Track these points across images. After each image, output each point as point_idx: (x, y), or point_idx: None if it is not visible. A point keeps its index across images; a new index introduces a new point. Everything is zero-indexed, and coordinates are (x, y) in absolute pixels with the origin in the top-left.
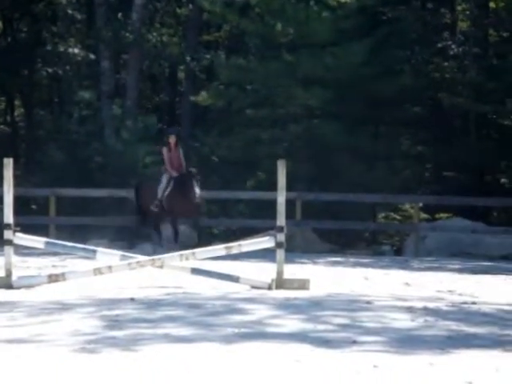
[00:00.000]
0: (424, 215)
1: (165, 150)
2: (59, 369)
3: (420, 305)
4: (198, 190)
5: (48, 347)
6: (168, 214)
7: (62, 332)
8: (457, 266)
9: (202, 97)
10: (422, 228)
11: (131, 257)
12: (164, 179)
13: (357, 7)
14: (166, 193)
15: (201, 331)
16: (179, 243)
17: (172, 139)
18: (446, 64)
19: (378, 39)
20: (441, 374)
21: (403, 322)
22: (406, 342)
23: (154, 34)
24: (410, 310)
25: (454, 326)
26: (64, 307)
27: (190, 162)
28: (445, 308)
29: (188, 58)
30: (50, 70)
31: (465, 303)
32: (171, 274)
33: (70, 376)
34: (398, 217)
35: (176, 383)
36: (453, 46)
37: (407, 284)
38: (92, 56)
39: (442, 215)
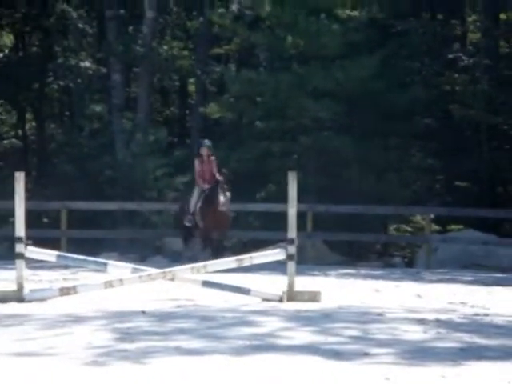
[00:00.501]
0: (435, 227)
1: (196, 163)
2: (71, 382)
3: (432, 317)
4: (222, 198)
5: (60, 360)
6: (201, 228)
7: (74, 345)
8: (469, 278)
9: (211, 108)
10: (434, 240)
11: (142, 269)
12: (196, 192)
13: (367, 20)
14: (198, 206)
15: (212, 343)
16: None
17: (204, 151)
18: (456, 76)
19: (388, 52)
20: None
21: (415, 334)
22: (418, 354)
23: (165, 47)
24: (421, 321)
25: (466, 337)
26: (76, 320)
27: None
28: (457, 320)
29: (198, 72)
30: (61, 84)
31: (477, 315)
32: (182, 286)
33: None
34: (409, 228)
35: None
36: (463, 58)
37: (419, 296)
38: (103, 69)
39: (453, 227)
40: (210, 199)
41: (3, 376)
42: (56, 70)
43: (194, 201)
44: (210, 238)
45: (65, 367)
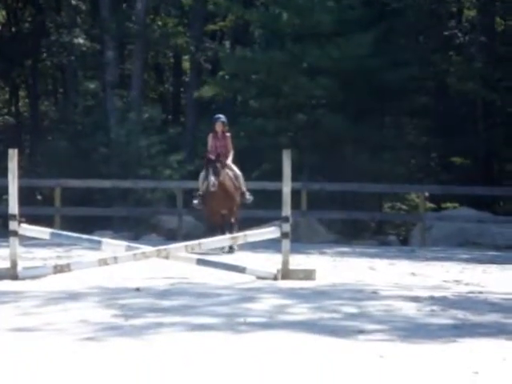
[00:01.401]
0: (430, 205)
1: (210, 138)
2: (68, 357)
3: (426, 294)
4: (213, 178)
5: (57, 336)
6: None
7: (70, 321)
8: (463, 256)
9: (205, 91)
10: (428, 218)
11: (137, 247)
12: (204, 170)
13: None
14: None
15: (207, 320)
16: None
17: (218, 126)
18: (452, 53)
19: (383, 29)
20: (447, 363)
21: (409, 311)
22: (412, 331)
23: (159, 23)
24: (416, 299)
25: (460, 315)
26: (70, 297)
27: (196, 152)
28: (451, 297)
29: (193, 49)
30: (54, 61)
31: (471, 293)
32: (177, 264)
33: (79, 364)
34: (404, 207)
35: (183, 371)
36: (459, 35)
37: (413, 274)
38: (97, 46)
39: (448, 205)
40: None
41: (2, 350)
42: (49, 46)
43: (202, 180)
44: (214, 221)
45: (62, 343)
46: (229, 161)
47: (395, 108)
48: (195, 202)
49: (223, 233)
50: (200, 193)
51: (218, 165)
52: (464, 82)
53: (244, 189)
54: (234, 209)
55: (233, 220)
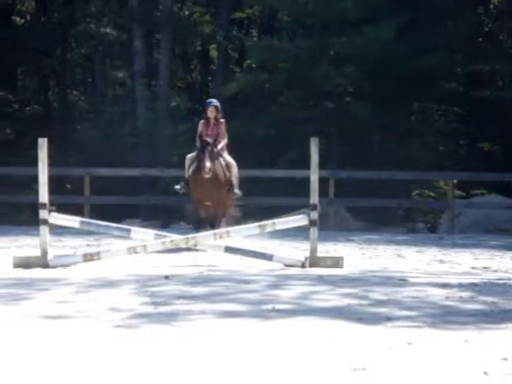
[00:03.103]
0: (458, 192)
1: (201, 125)
2: (105, 344)
3: (455, 281)
4: (208, 164)
5: (91, 323)
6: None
7: (103, 308)
8: (491, 243)
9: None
10: (457, 205)
11: (165, 235)
12: (197, 153)
13: None
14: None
15: (236, 307)
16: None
17: (211, 112)
18: (480, 39)
19: (410, 16)
20: (476, 350)
21: (438, 298)
22: (441, 318)
23: (186, 12)
24: (444, 286)
25: (489, 302)
26: (100, 285)
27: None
28: (480, 284)
29: (220, 37)
30: (83, 51)
31: (500, 279)
32: (205, 252)
33: (116, 350)
34: (432, 194)
35: (214, 357)
36: (487, 21)
37: (442, 261)
38: (124, 36)
39: (476, 192)
40: (198, 166)
41: (37, 338)
42: (78, 36)
43: (189, 162)
44: (199, 216)
45: (97, 330)
46: (219, 146)
47: (423, 94)
48: (177, 186)
49: (212, 227)
50: (186, 177)
51: (215, 149)
52: (491, 68)
53: (235, 181)
54: (220, 201)
55: (221, 214)
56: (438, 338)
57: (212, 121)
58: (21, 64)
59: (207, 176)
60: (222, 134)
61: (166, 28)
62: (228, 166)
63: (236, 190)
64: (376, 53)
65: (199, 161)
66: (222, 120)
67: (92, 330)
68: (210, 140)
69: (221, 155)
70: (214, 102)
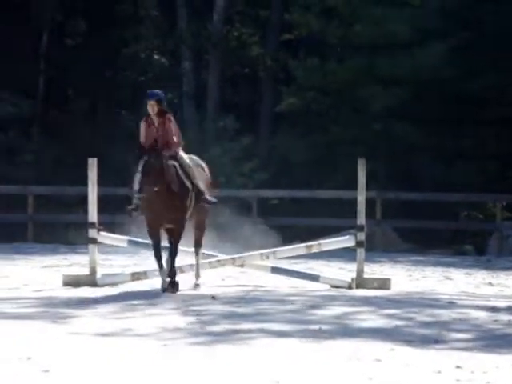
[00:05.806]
0: (507, 214)
1: (142, 125)
2: (153, 361)
3: (503, 304)
4: (140, 176)
5: (137, 342)
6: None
7: (151, 326)
8: None
9: (287, 104)
10: (506, 227)
11: (212, 255)
12: (139, 167)
13: (438, 7)
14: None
15: (283, 327)
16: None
17: (151, 106)
18: None
19: (460, 40)
20: None
21: (486, 321)
22: (489, 341)
23: (235, 33)
24: (493, 309)
25: None
26: (148, 303)
27: (270, 161)
28: None
29: (268, 60)
30: (132, 76)
31: None
32: (251, 272)
33: (163, 368)
34: (480, 216)
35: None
36: None
37: (490, 284)
38: (172, 60)
39: None
40: (150, 174)
41: (88, 354)
42: (127, 60)
43: (138, 179)
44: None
45: (145, 347)
46: (173, 149)
47: (473, 116)
48: (130, 207)
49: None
50: (136, 196)
51: (164, 153)
52: None
53: (202, 186)
54: (181, 222)
55: (198, 233)
56: (487, 361)
57: (156, 119)
58: (71, 85)
59: (156, 189)
60: (171, 132)
61: (215, 50)
62: (188, 170)
63: (208, 197)
64: (426, 74)
65: (143, 174)
66: (169, 115)
67: (141, 347)
68: (153, 144)
69: (174, 158)
70: (156, 92)
